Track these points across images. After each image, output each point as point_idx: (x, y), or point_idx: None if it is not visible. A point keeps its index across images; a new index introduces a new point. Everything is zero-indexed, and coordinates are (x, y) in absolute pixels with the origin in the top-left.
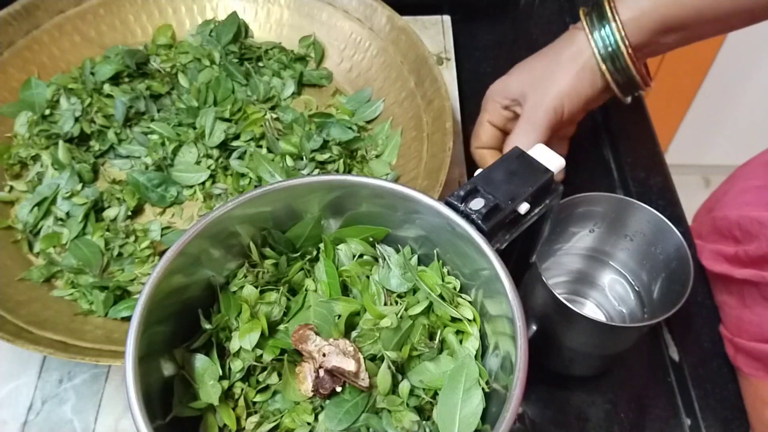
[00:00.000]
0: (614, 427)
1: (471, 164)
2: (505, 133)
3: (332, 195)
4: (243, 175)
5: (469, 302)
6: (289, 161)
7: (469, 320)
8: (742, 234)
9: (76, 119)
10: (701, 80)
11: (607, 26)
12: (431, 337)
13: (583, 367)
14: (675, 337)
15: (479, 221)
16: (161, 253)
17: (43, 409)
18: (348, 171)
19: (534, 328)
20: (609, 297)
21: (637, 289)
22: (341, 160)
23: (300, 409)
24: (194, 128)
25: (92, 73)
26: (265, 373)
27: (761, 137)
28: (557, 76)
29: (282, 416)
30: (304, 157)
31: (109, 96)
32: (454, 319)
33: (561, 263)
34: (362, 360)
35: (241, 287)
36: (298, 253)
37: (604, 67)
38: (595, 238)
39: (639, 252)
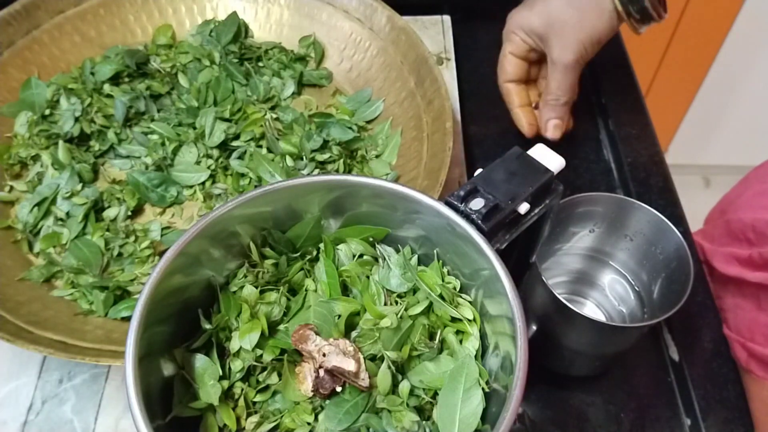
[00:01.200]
0: (614, 427)
1: (471, 164)
2: (526, 61)
3: (332, 195)
4: (243, 175)
5: (469, 302)
6: (289, 161)
7: (469, 320)
8: (757, 236)
9: (76, 119)
10: (701, 80)
11: None
12: (431, 337)
13: (583, 367)
14: (675, 337)
15: (479, 221)
16: (161, 253)
17: (43, 409)
18: (348, 171)
19: (534, 328)
20: (609, 297)
21: (637, 289)
22: (341, 160)
23: (300, 409)
24: (194, 128)
25: (92, 73)
26: (265, 373)
27: (761, 137)
28: (582, 25)
29: (282, 416)
30: (304, 157)
31: (109, 96)
32: (454, 319)
33: (561, 263)
34: (362, 360)
35: (241, 287)
36: (298, 253)
37: (621, 8)
38: (595, 238)
39: (639, 252)
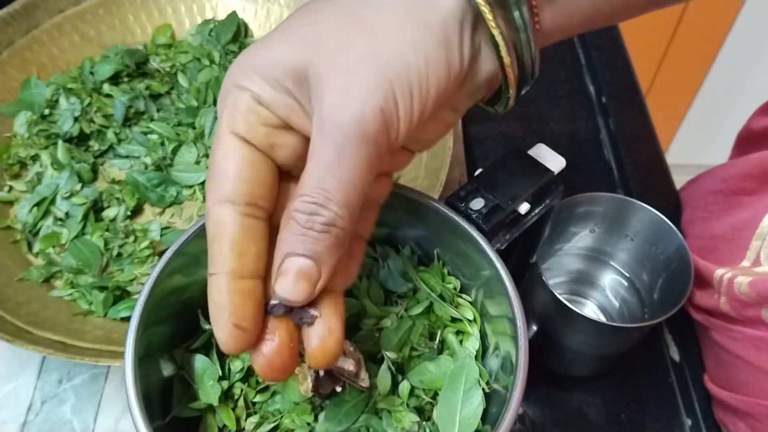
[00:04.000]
0: (615, 427)
1: (471, 164)
2: (271, 159)
3: None
4: None
5: (470, 302)
6: None
7: (470, 320)
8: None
9: (76, 119)
10: (702, 79)
11: None
12: (431, 338)
13: (583, 367)
14: (676, 337)
15: (479, 221)
16: (161, 253)
17: (42, 409)
18: None
19: (534, 328)
20: (609, 297)
21: (637, 289)
22: None
23: (300, 410)
24: (194, 128)
25: (92, 73)
26: None
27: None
28: (380, 31)
29: (282, 417)
30: None
31: (108, 96)
32: (454, 320)
33: (561, 263)
34: (362, 360)
35: None
36: None
37: (491, 17)
38: (596, 238)
39: (639, 252)
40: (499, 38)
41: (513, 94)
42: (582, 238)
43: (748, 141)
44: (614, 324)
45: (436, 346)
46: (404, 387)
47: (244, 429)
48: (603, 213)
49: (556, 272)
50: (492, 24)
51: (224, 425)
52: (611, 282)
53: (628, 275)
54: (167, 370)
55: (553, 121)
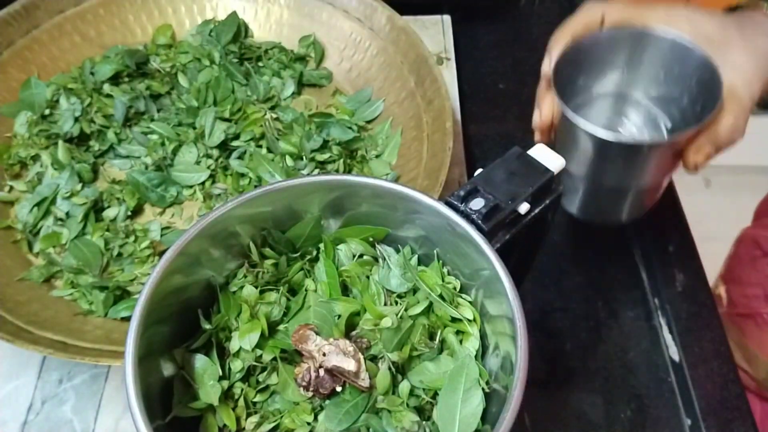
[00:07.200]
0: (614, 426)
1: (471, 164)
2: None
3: (332, 195)
4: (243, 175)
5: (469, 302)
6: (289, 161)
7: (469, 320)
8: None
9: (76, 119)
10: None
11: None
12: (431, 338)
13: (616, 210)
14: (675, 337)
15: (479, 221)
16: (161, 253)
17: (42, 409)
18: (348, 171)
19: (575, 175)
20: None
21: (668, 127)
22: (341, 160)
23: (300, 410)
24: (194, 128)
25: (92, 73)
26: (265, 373)
27: (762, 137)
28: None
29: (282, 416)
30: (304, 157)
31: (108, 96)
32: (454, 319)
33: (591, 106)
34: (362, 360)
35: (241, 287)
36: (298, 253)
37: None
38: (624, 78)
39: (669, 83)
40: None
41: None
42: (609, 81)
43: None
44: (645, 143)
45: (436, 346)
46: (404, 387)
47: (244, 429)
48: (628, 52)
49: (586, 117)
50: None
51: (224, 425)
52: (642, 121)
53: (659, 111)
54: (167, 369)
55: None
